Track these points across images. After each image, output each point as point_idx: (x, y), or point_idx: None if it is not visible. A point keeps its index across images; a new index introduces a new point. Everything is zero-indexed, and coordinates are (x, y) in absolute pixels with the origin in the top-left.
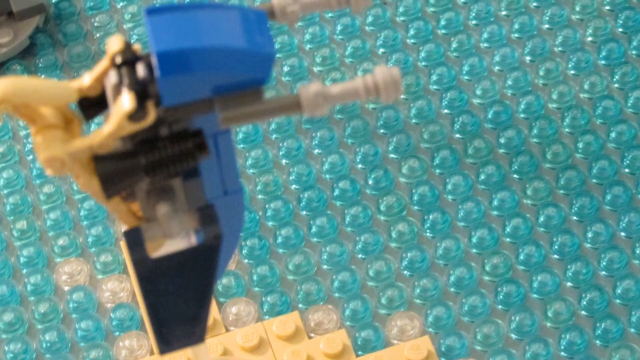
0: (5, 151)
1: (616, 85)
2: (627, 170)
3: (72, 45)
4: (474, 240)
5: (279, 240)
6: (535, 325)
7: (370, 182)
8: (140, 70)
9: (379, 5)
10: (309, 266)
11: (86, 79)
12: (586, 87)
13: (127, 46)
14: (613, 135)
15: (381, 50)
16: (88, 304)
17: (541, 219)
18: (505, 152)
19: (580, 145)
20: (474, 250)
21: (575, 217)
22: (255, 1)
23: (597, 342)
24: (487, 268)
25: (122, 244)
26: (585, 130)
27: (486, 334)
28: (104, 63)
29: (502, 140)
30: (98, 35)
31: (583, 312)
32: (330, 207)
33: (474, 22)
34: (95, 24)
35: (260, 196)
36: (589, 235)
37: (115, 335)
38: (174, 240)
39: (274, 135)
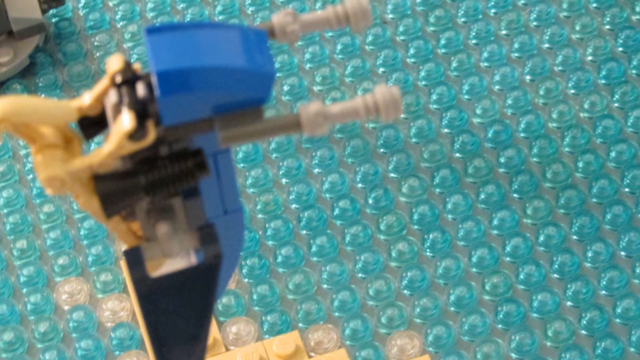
0: (5, 170)
1: (616, 104)
2: (627, 189)
3: (72, 65)
4: (474, 259)
5: (279, 259)
6: (535, 344)
7: (370, 201)
8: (140, 89)
9: (379, 25)
10: (309, 285)
11: (86, 98)
12: (586, 106)
13: (127, 65)
14: (613, 154)
15: (381, 69)
16: (88, 323)
17: (541, 238)
18: (505, 171)
19: (580, 164)
20: (474, 270)
21: (575, 237)
22: (255, 20)
23: None
24: (487, 287)
25: (122, 263)
26: (585, 150)
27: (486, 353)
28: (104, 82)
29: (502, 160)
30: (98, 54)
31: (583, 332)
32: (330, 226)
33: (474, 41)
34: (95, 43)
35: (260, 215)
36: (589, 254)
37: (115, 355)
38: (174, 259)
39: (274, 155)
